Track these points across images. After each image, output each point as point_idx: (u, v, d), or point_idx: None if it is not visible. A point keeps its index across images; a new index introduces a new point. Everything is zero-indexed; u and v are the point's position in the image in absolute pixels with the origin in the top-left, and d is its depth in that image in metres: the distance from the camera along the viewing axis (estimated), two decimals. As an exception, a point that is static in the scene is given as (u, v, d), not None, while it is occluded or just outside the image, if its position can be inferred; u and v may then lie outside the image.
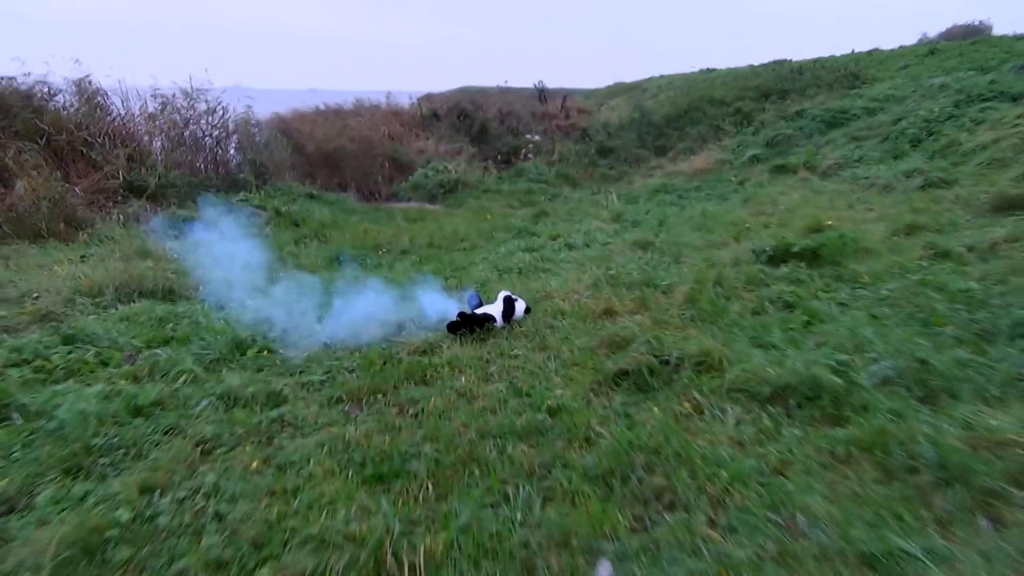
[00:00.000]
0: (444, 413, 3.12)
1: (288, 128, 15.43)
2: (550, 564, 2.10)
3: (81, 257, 7.23)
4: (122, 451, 2.82)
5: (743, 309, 4.22)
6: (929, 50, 18.93)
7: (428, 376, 3.60)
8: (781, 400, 3.05)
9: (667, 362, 3.42)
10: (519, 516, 2.34)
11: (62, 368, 3.78)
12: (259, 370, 3.81)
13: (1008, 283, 4.09)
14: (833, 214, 6.50)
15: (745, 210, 7.78)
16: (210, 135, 13.19)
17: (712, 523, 2.27)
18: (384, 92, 19.40)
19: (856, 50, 24.36)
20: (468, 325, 4.22)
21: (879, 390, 2.99)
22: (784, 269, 4.88)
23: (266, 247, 6.80)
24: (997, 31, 26.26)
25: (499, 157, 16.75)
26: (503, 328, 4.29)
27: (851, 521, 2.20)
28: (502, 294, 4.38)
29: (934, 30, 30.69)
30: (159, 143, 12.53)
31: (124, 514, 2.34)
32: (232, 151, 13.54)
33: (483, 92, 28.50)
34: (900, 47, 22.84)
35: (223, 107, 13.29)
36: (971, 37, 23.53)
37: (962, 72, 13.36)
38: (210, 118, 13.09)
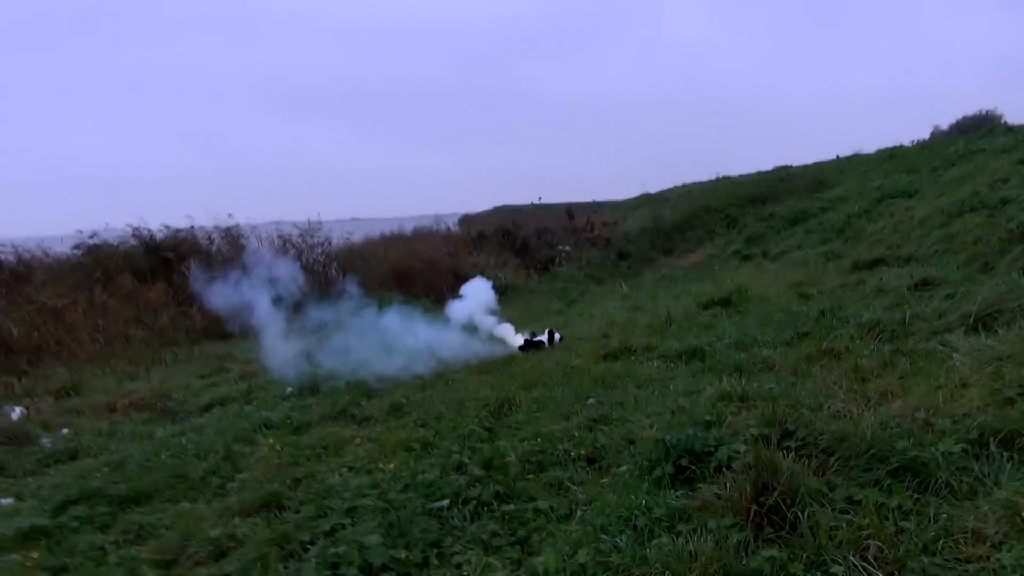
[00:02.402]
0: (523, 373, 6.68)
1: (365, 252, 19.93)
2: (570, 403, 5.57)
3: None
4: (383, 391, 6.48)
5: (678, 328, 7.73)
6: (889, 155, 22.76)
7: (512, 363, 7.17)
8: (680, 357, 6.52)
9: (629, 348, 6.94)
10: (558, 393, 5.83)
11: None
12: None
13: (824, 305, 7.50)
14: (758, 281, 10.02)
15: (709, 285, 11.32)
16: (319, 260, 17.71)
17: (636, 388, 5.73)
18: (425, 215, 24.19)
19: (840, 154, 28.20)
20: (529, 346, 7.80)
21: (725, 349, 6.45)
22: (709, 310, 8.39)
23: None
24: (1012, 118, 26.75)
25: (538, 265, 20.84)
26: (548, 347, 7.86)
27: (690, 384, 5.63)
28: (547, 329, 8.00)
29: (946, 122, 32.55)
30: (283, 269, 16.97)
31: (402, 400, 5.96)
32: (334, 271, 17.95)
33: (518, 211, 32.55)
34: (877, 150, 26.52)
35: (328, 240, 17.95)
36: (983, 127, 24.83)
37: (896, 175, 17.00)
38: (319, 248, 17.70)
